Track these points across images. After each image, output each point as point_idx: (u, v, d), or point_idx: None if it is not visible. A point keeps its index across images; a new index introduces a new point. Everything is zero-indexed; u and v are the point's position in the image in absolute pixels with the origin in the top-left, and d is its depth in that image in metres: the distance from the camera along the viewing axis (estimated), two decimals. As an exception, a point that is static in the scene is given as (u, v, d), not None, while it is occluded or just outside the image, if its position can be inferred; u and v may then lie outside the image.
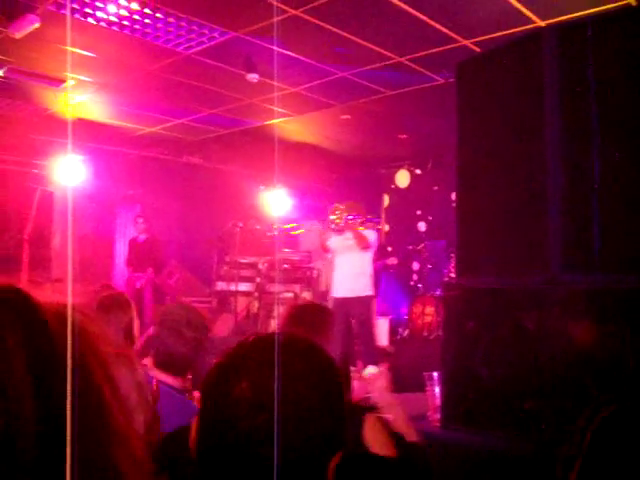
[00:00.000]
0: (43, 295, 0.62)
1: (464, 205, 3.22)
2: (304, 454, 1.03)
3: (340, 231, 7.10)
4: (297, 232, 11.20)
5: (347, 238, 7.08)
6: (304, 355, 1.11)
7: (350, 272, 7.06)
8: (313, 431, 1.03)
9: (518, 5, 5.16)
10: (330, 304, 7.19)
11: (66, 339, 0.58)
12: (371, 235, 7.18)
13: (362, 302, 7.01)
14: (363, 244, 7.02)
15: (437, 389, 3.11)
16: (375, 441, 1.90)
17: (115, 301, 3.62)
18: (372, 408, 2.22)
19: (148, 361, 2.57)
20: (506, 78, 3.15)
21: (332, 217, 7.08)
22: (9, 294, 0.60)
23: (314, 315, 2.34)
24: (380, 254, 8.63)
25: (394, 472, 1.65)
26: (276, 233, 10.64)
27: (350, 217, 7.02)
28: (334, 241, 7.25)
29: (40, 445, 0.54)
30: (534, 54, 3.00)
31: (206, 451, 1.07)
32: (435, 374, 3.15)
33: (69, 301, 0.62)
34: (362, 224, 7.20)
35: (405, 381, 4.25)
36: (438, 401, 3.09)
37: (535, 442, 2.67)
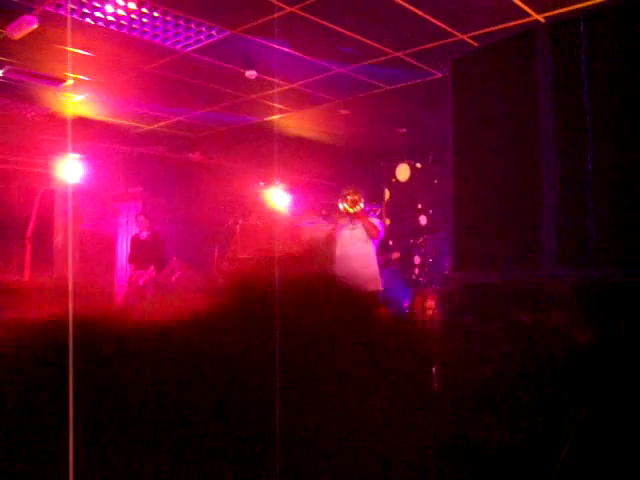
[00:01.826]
0: None
1: (459, 201, 3.24)
2: None
3: (352, 221, 6.56)
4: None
5: (355, 228, 6.59)
6: None
7: (359, 265, 6.49)
8: None
9: (514, -1, 5.18)
10: None
11: None
12: (378, 223, 6.74)
13: (373, 298, 6.31)
14: (374, 233, 6.53)
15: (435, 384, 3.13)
16: None
17: None
18: None
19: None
20: (500, 74, 3.18)
21: (344, 205, 6.51)
22: None
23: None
24: (382, 248, 8.35)
25: None
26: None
27: (362, 205, 6.52)
28: (343, 232, 6.68)
29: None
30: (528, 50, 3.03)
31: None
32: (433, 368, 3.17)
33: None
34: (369, 212, 6.79)
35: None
36: (436, 395, 3.11)
37: (532, 434, 2.70)
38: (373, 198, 9.95)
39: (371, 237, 6.54)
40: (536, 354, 2.81)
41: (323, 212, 6.76)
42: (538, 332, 2.81)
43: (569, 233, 2.78)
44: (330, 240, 6.78)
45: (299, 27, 5.70)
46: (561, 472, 2.37)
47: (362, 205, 6.52)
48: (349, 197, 6.49)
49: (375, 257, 6.68)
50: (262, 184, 10.36)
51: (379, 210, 7.02)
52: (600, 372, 2.58)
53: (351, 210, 6.48)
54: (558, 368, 2.72)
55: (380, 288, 6.59)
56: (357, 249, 6.58)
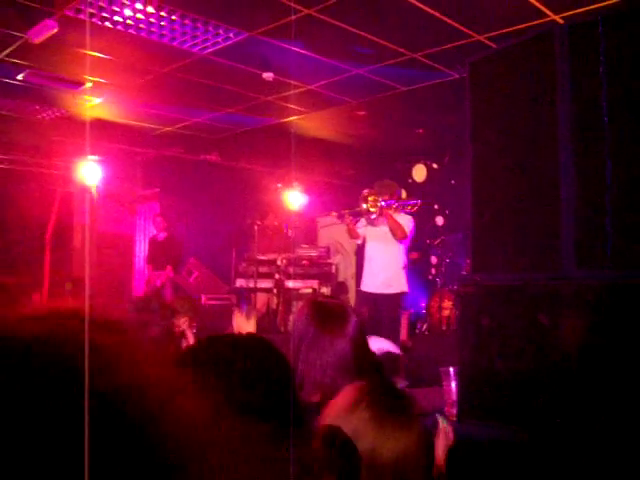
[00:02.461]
0: None
1: (478, 202, 3.25)
2: None
3: (375, 221, 6.31)
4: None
5: (380, 226, 6.34)
6: None
7: (384, 266, 6.30)
8: None
9: None
10: (355, 296, 6.74)
11: None
12: (408, 222, 6.38)
13: (394, 300, 6.29)
14: (400, 234, 6.24)
15: (453, 384, 3.15)
16: None
17: None
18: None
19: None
20: (518, 76, 3.18)
21: (365, 205, 6.26)
22: None
23: (334, 315, 2.21)
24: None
25: None
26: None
27: (384, 203, 6.21)
28: (367, 230, 6.45)
29: None
30: (546, 52, 3.03)
31: None
32: (451, 369, 3.19)
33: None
34: (397, 209, 6.42)
35: (423, 376, 4.30)
36: (454, 396, 3.13)
37: (550, 435, 2.71)
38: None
39: (395, 238, 6.29)
40: (554, 356, 2.82)
41: (343, 211, 6.55)
42: (556, 334, 2.82)
43: (588, 235, 2.78)
44: (351, 234, 6.59)
45: (316, 29, 5.72)
46: (577, 470, 2.38)
47: (381, 203, 6.23)
48: (370, 197, 6.29)
49: (401, 257, 6.43)
50: (279, 185, 10.39)
51: (416, 204, 6.48)
52: (618, 374, 2.58)
53: (372, 209, 6.26)
54: (575, 370, 2.73)
55: (403, 290, 6.39)
56: (380, 249, 6.39)
